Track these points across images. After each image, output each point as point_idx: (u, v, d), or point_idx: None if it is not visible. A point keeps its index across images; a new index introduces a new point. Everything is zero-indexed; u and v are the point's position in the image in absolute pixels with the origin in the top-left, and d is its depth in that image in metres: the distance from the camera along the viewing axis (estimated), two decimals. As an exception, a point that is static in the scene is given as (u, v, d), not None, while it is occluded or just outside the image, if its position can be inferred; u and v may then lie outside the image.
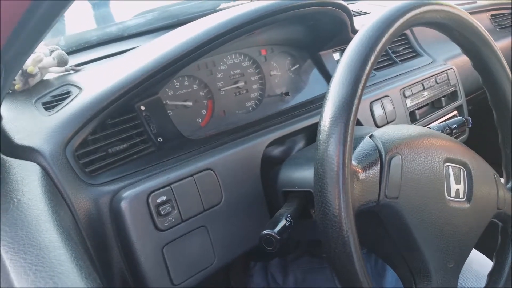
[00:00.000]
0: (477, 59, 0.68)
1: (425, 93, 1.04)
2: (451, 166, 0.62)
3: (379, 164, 0.55)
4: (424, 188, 0.58)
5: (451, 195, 0.61)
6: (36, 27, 0.43)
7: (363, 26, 0.55)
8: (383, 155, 0.56)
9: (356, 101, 0.50)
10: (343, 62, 0.52)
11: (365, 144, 0.58)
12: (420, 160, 0.58)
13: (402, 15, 0.55)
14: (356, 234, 0.49)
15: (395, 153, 0.56)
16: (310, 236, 0.72)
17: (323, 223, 0.49)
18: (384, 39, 0.53)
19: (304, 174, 0.68)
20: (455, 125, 0.84)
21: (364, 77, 0.51)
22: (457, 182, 0.62)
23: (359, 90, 0.50)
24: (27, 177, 0.51)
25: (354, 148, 0.58)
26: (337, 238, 0.48)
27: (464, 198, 0.63)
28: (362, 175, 0.53)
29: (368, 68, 0.51)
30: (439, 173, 0.60)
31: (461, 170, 0.63)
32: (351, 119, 0.49)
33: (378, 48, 0.53)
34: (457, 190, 0.62)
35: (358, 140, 0.59)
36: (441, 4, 0.59)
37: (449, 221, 0.60)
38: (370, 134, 0.60)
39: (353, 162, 0.54)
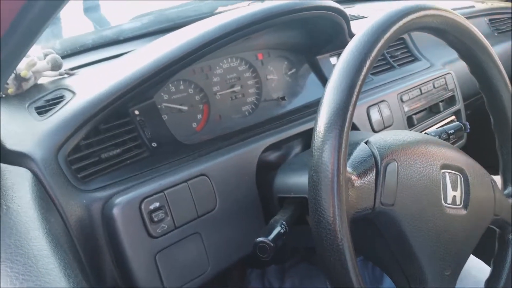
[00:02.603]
0: (474, 64, 0.67)
1: (423, 98, 1.04)
2: (447, 172, 0.61)
3: (374, 171, 0.55)
4: (420, 195, 0.57)
5: (448, 202, 0.61)
6: (28, 30, 0.42)
7: (359, 31, 0.54)
8: (379, 162, 0.55)
9: (351, 108, 0.49)
10: (338, 67, 0.52)
11: (361, 150, 0.57)
12: (416, 167, 0.58)
13: (398, 20, 0.55)
14: (351, 242, 0.48)
15: (391, 160, 0.56)
16: (306, 243, 0.72)
17: (318, 231, 0.48)
18: (380, 44, 0.53)
19: (300, 180, 0.67)
20: (452, 130, 0.83)
21: (359, 83, 0.50)
22: (454, 188, 0.62)
23: (354, 96, 0.50)
24: (18, 183, 0.50)
25: (350, 154, 0.57)
26: (331, 246, 0.47)
27: (461, 205, 0.62)
28: (357, 182, 0.53)
29: (363, 73, 0.51)
30: (435, 180, 0.59)
31: (458, 176, 0.63)
32: (346, 125, 0.49)
33: (373, 54, 0.52)
34: (454, 196, 0.62)
35: (353, 146, 0.59)
36: (438, 9, 0.59)
37: (445, 228, 0.60)
38: (366, 140, 0.59)
39: (348, 169, 0.53)
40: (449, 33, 0.62)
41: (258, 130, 0.78)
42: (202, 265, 0.64)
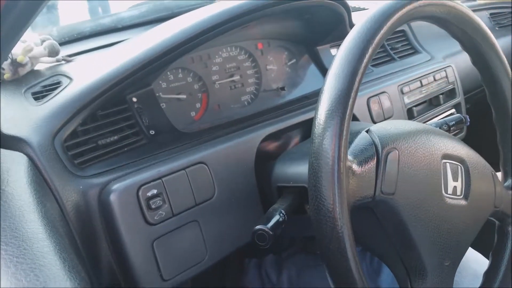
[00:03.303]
0: (476, 55, 0.66)
1: (423, 90, 1.03)
2: (448, 162, 0.61)
3: (375, 159, 0.54)
4: (421, 184, 0.57)
5: (448, 192, 0.60)
6: (19, 17, 0.42)
7: (361, 18, 0.53)
8: (380, 150, 0.54)
9: (352, 95, 0.49)
10: (339, 54, 0.51)
11: (362, 139, 0.57)
12: (417, 156, 0.57)
13: (401, 8, 0.54)
14: (351, 230, 0.48)
15: (392, 148, 0.55)
16: (304, 233, 0.71)
17: (317, 219, 0.47)
18: (382, 32, 0.52)
19: (299, 169, 0.66)
20: (453, 122, 0.82)
21: (361, 70, 0.50)
22: (455, 179, 0.61)
23: (356, 84, 0.49)
24: (13, 167, 0.49)
25: (350, 142, 0.56)
26: (331, 234, 0.47)
27: (462, 196, 0.62)
28: (358, 170, 0.52)
29: (365, 61, 0.50)
30: (436, 170, 0.59)
31: (459, 167, 0.62)
32: (347, 112, 0.48)
33: (375, 41, 0.51)
34: (455, 187, 0.61)
35: (354, 135, 0.58)
36: None
37: (446, 219, 0.59)
38: (367, 129, 0.59)
39: (349, 157, 0.52)
40: (452, 23, 0.61)
41: (257, 120, 0.78)
42: (200, 253, 0.63)
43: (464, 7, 0.61)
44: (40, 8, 0.43)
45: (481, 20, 0.64)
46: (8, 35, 0.44)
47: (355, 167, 0.52)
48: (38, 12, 0.44)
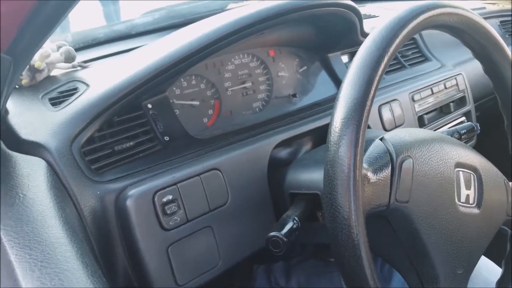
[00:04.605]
0: (488, 63, 0.67)
1: (434, 98, 1.04)
2: (461, 171, 0.61)
3: (390, 167, 0.54)
4: (434, 193, 0.57)
5: (461, 200, 0.60)
6: (45, 22, 0.42)
7: (377, 26, 0.54)
8: (394, 158, 0.55)
9: (368, 103, 0.49)
10: (355, 62, 0.51)
11: (376, 146, 0.57)
12: (431, 164, 0.57)
13: (416, 16, 0.54)
14: (366, 238, 0.48)
15: (406, 157, 0.55)
16: (316, 240, 0.71)
17: (333, 226, 0.48)
18: (397, 40, 0.52)
19: (311, 176, 0.67)
20: (464, 130, 0.83)
21: (377, 78, 0.50)
22: (468, 187, 0.61)
23: (372, 92, 0.50)
24: (33, 172, 0.50)
25: (365, 150, 0.57)
26: (346, 241, 0.47)
27: (474, 204, 0.62)
28: (373, 178, 0.52)
29: (381, 69, 0.51)
30: (449, 178, 0.59)
31: (472, 175, 0.62)
32: (363, 120, 0.49)
33: (391, 49, 0.52)
34: (467, 195, 0.61)
35: (368, 142, 0.58)
36: (454, 7, 0.58)
37: (459, 227, 0.59)
38: (381, 137, 0.59)
39: (364, 165, 0.53)
40: (465, 32, 0.62)
41: (269, 127, 0.78)
42: (213, 259, 0.64)
43: (477, 16, 0.62)
44: (63, 17, 0.44)
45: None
46: (31, 42, 0.45)
47: (370, 175, 0.52)
48: (61, 21, 0.45)
